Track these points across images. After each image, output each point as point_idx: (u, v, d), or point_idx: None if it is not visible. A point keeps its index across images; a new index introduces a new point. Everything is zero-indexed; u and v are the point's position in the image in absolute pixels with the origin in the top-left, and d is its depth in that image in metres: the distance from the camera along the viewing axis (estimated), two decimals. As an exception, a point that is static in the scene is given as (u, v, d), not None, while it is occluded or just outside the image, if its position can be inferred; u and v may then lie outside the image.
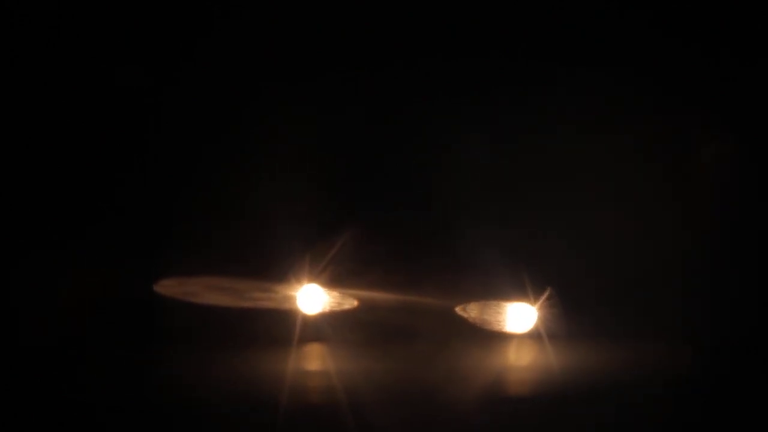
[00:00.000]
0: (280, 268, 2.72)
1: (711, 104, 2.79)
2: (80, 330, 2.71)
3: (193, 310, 2.72)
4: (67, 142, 2.76)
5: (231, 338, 2.72)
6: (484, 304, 2.78)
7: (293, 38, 2.77)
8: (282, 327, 2.74)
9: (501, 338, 2.79)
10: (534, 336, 2.78)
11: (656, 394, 2.55)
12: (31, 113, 2.74)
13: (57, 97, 2.73)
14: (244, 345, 2.71)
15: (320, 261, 2.73)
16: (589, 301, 2.74)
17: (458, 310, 2.78)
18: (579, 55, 2.77)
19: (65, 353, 2.66)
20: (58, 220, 2.78)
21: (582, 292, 2.74)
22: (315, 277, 2.75)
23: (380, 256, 2.74)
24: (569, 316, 2.74)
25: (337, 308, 2.76)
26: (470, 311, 2.79)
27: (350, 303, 2.77)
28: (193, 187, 2.81)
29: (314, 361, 2.73)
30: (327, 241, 2.73)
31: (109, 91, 2.74)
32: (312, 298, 2.77)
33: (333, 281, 2.75)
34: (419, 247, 2.80)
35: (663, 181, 2.84)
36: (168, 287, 2.73)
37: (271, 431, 2.45)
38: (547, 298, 2.75)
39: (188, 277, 2.73)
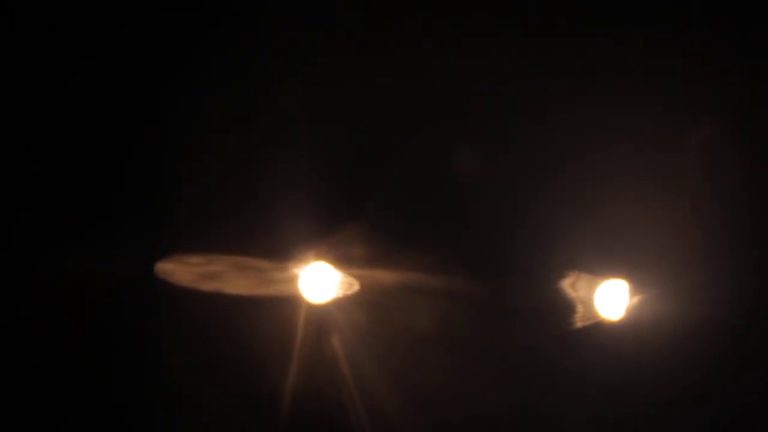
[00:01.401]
0: (287, 248, 2.68)
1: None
2: (82, 321, 2.69)
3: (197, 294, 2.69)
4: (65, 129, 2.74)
5: (236, 322, 2.70)
6: (591, 282, 2.76)
7: (303, 27, 2.77)
8: (288, 310, 2.70)
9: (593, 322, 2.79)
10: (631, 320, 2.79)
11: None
12: (26, 103, 2.72)
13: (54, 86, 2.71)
14: (249, 329, 2.69)
15: (330, 241, 2.71)
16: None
17: (566, 285, 2.75)
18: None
19: (64, 348, 2.66)
20: (58, 209, 2.74)
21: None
22: (323, 257, 2.71)
23: (399, 236, 2.73)
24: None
25: (348, 290, 2.72)
26: (578, 288, 2.76)
27: (359, 285, 2.72)
28: (199, 168, 2.75)
29: (321, 346, 2.72)
30: (339, 220, 2.71)
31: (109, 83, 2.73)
32: (320, 278, 2.71)
33: (343, 262, 2.71)
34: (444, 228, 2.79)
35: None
36: (171, 270, 2.68)
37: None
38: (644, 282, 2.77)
39: (193, 257, 2.69)
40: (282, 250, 2.69)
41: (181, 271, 2.68)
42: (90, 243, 2.70)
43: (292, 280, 2.69)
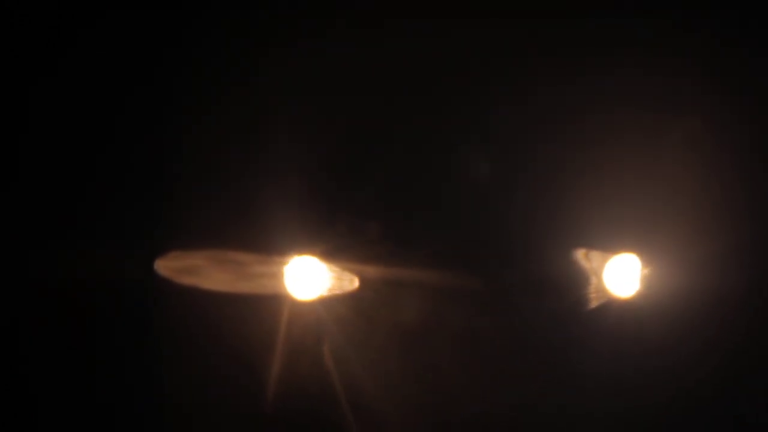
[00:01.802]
0: (270, 241, 2.61)
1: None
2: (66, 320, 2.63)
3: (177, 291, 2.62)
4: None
5: (216, 320, 2.62)
6: (604, 256, 2.69)
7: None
8: (271, 306, 2.63)
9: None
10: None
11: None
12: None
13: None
14: (230, 328, 2.62)
15: (318, 234, 2.63)
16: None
17: (580, 256, 2.69)
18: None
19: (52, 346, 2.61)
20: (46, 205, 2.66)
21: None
22: (310, 251, 2.62)
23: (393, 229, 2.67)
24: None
25: (339, 287, 2.64)
26: (591, 259, 2.70)
27: (353, 281, 2.64)
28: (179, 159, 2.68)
29: (312, 346, 2.65)
30: (328, 212, 2.64)
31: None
32: (306, 273, 2.62)
33: (334, 256, 2.63)
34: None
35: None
36: (165, 265, 2.62)
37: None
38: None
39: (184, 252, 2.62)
40: (265, 243, 2.59)
41: (159, 266, 2.60)
42: (69, 241, 2.62)
43: (276, 275, 2.60)
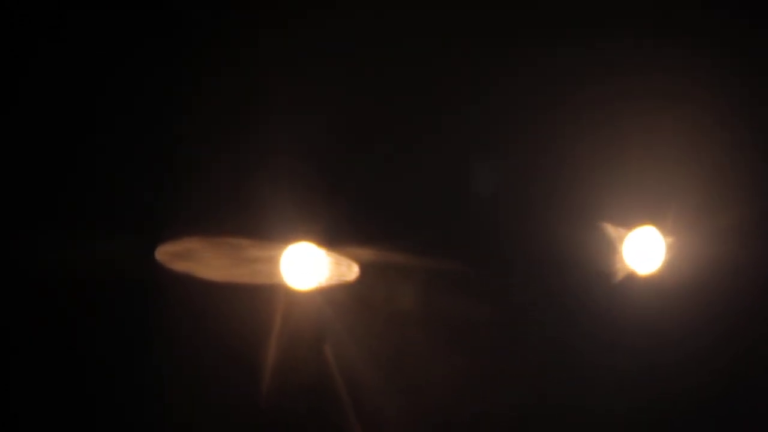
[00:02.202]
0: (274, 227, 2.58)
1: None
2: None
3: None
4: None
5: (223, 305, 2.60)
6: (623, 230, 2.66)
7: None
8: (267, 293, 2.60)
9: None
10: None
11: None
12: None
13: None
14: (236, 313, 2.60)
15: (321, 219, 2.58)
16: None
17: (605, 226, 2.66)
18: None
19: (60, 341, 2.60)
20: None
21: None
22: (313, 237, 2.58)
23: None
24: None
25: (338, 273, 2.62)
26: (617, 231, 2.66)
27: (352, 267, 2.61)
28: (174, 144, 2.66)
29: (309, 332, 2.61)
30: (327, 197, 2.60)
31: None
32: (309, 260, 2.59)
33: (333, 242, 2.59)
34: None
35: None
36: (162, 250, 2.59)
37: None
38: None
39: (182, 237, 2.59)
40: (264, 229, 2.57)
41: (156, 251, 2.58)
42: (64, 226, 2.60)
43: (274, 260, 2.57)
